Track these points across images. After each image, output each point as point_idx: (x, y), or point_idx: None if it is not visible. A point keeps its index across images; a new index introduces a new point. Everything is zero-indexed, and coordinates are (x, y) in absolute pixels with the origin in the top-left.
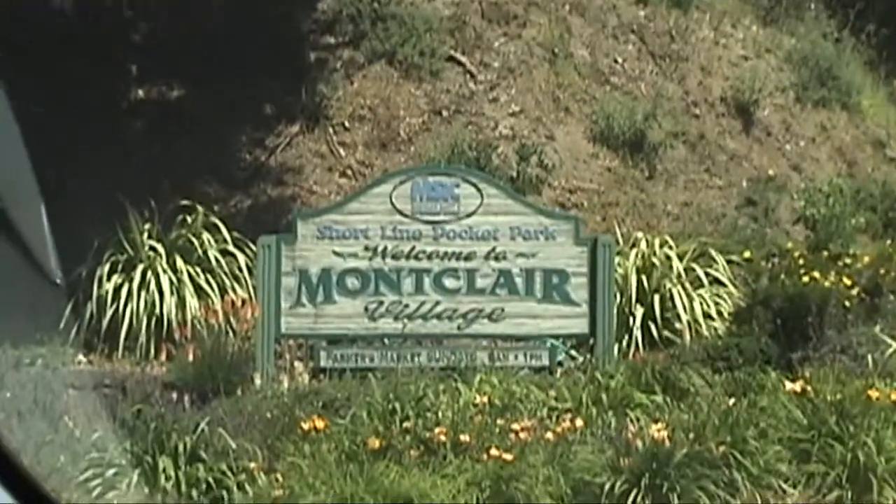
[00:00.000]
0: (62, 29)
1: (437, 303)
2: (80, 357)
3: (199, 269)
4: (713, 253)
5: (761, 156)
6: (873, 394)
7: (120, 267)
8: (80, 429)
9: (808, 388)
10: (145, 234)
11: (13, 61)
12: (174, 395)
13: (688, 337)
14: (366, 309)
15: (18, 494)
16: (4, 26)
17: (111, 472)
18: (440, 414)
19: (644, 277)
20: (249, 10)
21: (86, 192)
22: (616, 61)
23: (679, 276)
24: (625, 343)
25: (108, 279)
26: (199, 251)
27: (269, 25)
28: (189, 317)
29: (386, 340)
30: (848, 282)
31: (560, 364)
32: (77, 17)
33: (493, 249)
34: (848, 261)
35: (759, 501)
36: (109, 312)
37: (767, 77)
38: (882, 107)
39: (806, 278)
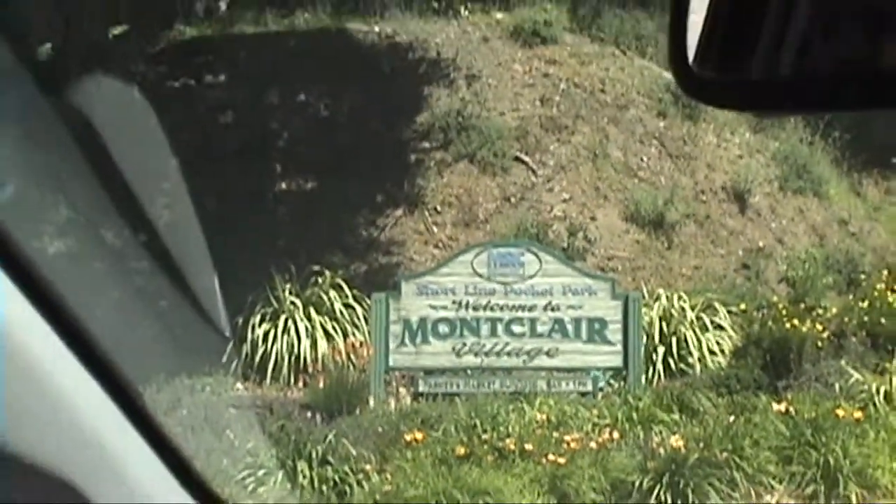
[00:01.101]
0: (226, 138)
1: (507, 343)
2: (238, 385)
3: (327, 319)
4: (717, 305)
5: (753, 231)
6: (840, 412)
7: (268, 317)
8: (238, 439)
9: (791, 408)
10: (287, 292)
11: (190, 166)
12: (308, 414)
13: (698, 369)
14: (453, 348)
15: (194, 494)
16: (185, 139)
17: (261, 472)
18: (510, 428)
19: (664, 324)
20: (364, 122)
21: (243, 260)
22: (642, 160)
23: (691, 322)
24: (650, 374)
25: (259, 326)
26: (328, 304)
27: (380, 134)
28: (320, 355)
29: (468, 372)
30: (820, 327)
31: (601, 390)
32: (236, 129)
33: (550, 303)
34: (820, 311)
35: (753, 494)
36: (260, 351)
37: (757, 172)
38: (845, 194)
39: (788, 325)
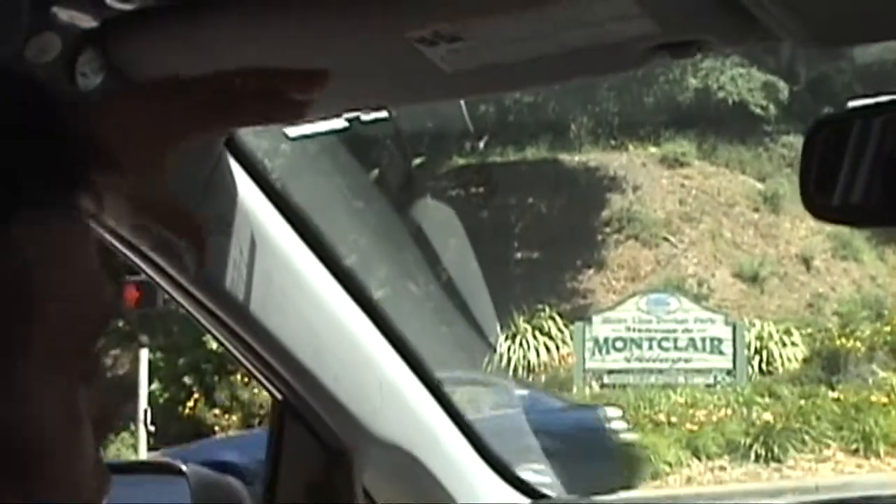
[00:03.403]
0: (484, 225)
1: (659, 353)
2: (495, 380)
3: (547, 339)
4: (792, 329)
5: (816, 283)
6: (872, 398)
7: (509, 337)
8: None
9: (840, 395)
10: (521, 321)
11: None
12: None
13: (780, 370)
14: (625, 357)
15: (517, 489)
16: (462, 224)
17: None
18: (661, 406)
19: (759, 342)
20: (568, 215)
21: (494, 301)
22: (744, 238)
23: (776, 341)
24: (749, 373)
25: (504, 342)
26: (547, 329)
27: (579, 223)
28: (541, 361)
29: (634, 371)
30: (859, 344)
31: (718, 383)
32: (490, 219)
33: (685, 328)
34: (858, 334)
35: (817, 449)
36: (504, 359)
37: (817, 245)
38: (874, 259)
39: (838, 342)
